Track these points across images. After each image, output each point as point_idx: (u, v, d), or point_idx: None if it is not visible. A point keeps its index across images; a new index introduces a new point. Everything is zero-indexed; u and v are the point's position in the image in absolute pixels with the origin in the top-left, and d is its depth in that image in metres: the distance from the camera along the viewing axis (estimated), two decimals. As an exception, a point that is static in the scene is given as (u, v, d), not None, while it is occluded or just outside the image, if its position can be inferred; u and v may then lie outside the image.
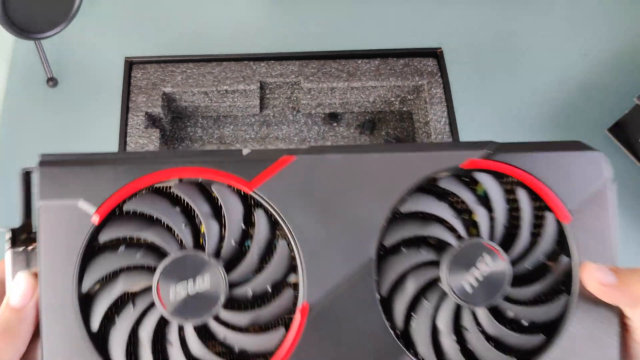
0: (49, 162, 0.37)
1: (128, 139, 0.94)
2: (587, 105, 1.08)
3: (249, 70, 1.00)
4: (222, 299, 0.36)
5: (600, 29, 1.13)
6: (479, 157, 0.39)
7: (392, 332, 0.38)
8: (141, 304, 0.37)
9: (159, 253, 0.37)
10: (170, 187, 0.38)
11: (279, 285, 0.38)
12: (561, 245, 0.39)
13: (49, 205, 0.36)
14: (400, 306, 0.38)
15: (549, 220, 0.39)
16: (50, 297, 0.36)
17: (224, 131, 1.05)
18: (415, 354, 0.38)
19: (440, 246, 0.39)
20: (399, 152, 0.39)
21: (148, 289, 0.36)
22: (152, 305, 0.37)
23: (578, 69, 1.10)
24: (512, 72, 1.09)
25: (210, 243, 0.37)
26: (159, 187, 0.38)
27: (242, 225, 0.38)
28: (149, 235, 0.37)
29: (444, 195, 0.40)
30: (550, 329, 0.39)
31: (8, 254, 0.38)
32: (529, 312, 0.39)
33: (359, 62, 1.01)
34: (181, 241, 0.37)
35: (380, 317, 0.38)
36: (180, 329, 0.37)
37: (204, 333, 0.37)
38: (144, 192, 0.38)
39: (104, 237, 0.37)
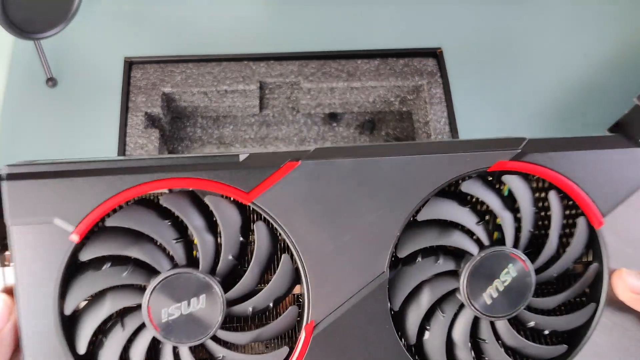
0: (17, 174, 0.31)
1: (127, 139, 0.92)
2: (587, 105, 1.05)
3: (249, 71, 0.97)
4: (219, 319, 0.32)
5: (600, 29, 1.10)
6: (508, 158, 0.34)
7: (404, 348, 0.34)
8: (131, 325, 0.32)
9: (149, 268, 0.33)
10: (158, 197, 0.33)
11: (281, 300, 0.34)
12: (590, 249, 0.36)
13: (21, 225, 0.31)
14: (413, 319, 0.35)
15: (581, 226, 0.35)
16: (31, 321, 0.32)
17: (223, 131, 1.03)
18: None
19: (457, 253, 0.35)
20: (418, 155, 0.34)
21: (138, 307, 0.32)
22: (143, 325, 0.32)
23: (578, 69, 1.07)
24: (512, 72, 1.06)
25: (205, 259, 0.33)
26: (146, 198, 0.34)
27: (240, 238, 0.34)
28: (136, 253, 0.33)
29: (464, 198, 0.36)
30: (573, 338, 0.35)
31: None
32: (551, 321, 0.35)
33: (359, 62, 0.99)
34: (172, 257, 0.33)
35: (392, 332, 0.34)
36: (175, 347, 0.33)
37: (200, 352, 0.34)
38: (129, 202, 0.33)
39: (85, 255, 0.32)
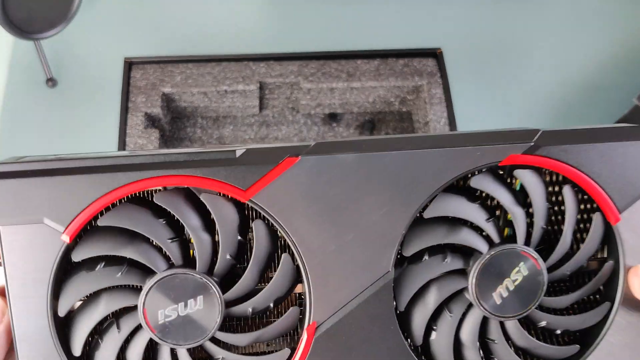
0: (4, 173, 0.30)
1: (127, 139, 0.91)
2: (587, 105, 1.04)
3: (249, 71, 0.96)
4: (217, 320, 0.30)
5: (600, 29, 1.10)
6: (521, 151, 0.32)
7: (410, 349, 0.32)
8: (127, 326, 0.30)
9: (144, 269, 0.31)
10: (152, 195, 0.31)
11: (282, 300, 0.32)
12: (605, 246, 0.34)
13: (10, 225, 0.30)
14: (419, 319, 0.33)
15: (597, 222, 0.33)
16: (24, 323, 0.30)
17: (223, 131, 1.01)
18: None
19: (466, 251, 0.33)
20: (425, 149, 0.31)
21: (134, 307, 0.30)
22: (139, 326, 0.30)
23: (578, 70, 1.07)
24: (512, 72, 1.06)
25: (202, 259, 0.31)
26: (139, 195, 0.32)
27: (239, 236, 0.31)
28: (130, 253, 0.31)
29: (473, 194, 0.34)
30: (586, 338, 0.33)
31: None
32: (564, 320, 0.33)
33: (359, 62, 0.98)
34: (168, 257, 0.31)
35: (398, 333, 0.32)
36: (173, 349, 0.31)
37: (199, 353, 0.32)
38: (122, 200, 0.31)
39: (77, 256, 0.30)
